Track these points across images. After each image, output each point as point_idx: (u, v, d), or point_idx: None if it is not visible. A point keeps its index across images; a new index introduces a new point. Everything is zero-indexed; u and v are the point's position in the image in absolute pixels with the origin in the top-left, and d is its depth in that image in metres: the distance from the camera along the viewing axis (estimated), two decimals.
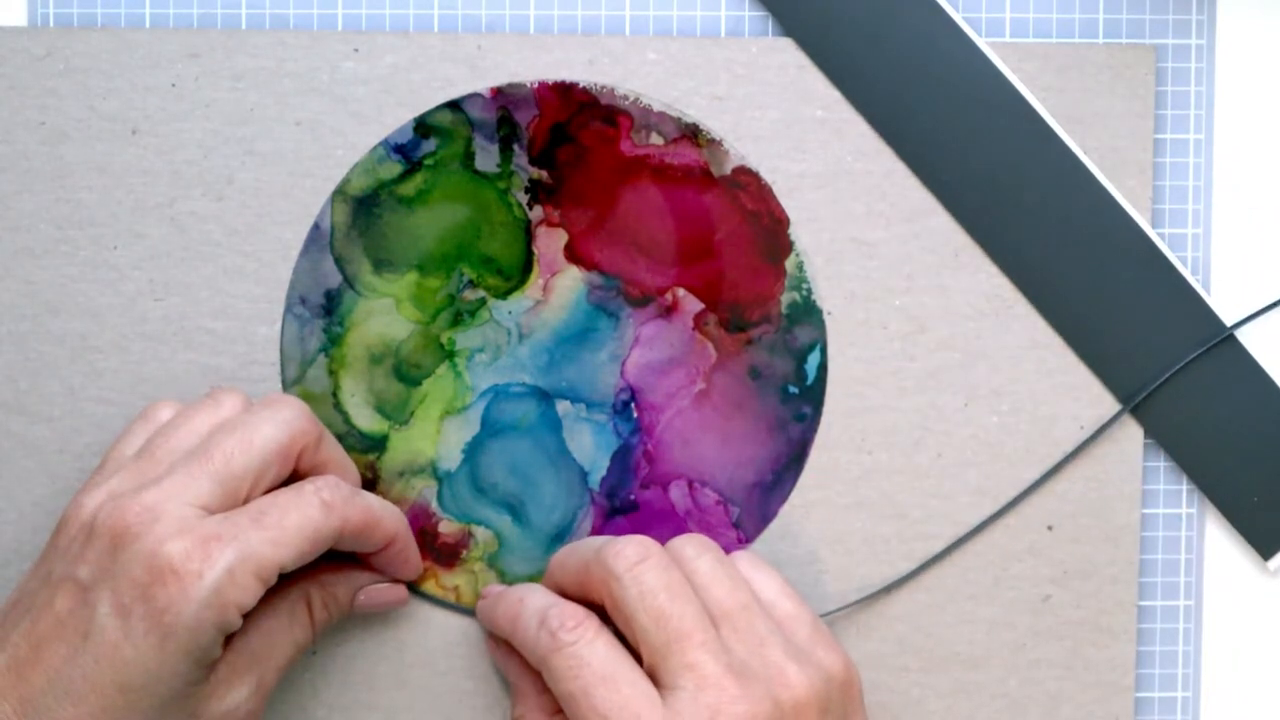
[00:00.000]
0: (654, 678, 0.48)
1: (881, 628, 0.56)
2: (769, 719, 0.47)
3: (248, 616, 0.50)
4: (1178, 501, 0.57)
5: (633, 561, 0.49)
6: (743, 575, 0.51)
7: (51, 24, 0.56)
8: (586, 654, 0.48)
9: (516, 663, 0.53)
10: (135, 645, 0.46)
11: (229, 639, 0.49)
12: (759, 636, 0.49)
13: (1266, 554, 0.57)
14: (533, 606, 0.50)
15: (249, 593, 0.47)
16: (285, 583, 0.52)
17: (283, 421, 0.50)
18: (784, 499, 0.56)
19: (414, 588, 0.56)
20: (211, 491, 0.48)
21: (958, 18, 0.56)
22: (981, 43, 0.56)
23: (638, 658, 0.49)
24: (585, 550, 0.51)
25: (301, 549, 0.48)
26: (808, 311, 0.56)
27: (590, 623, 0.49)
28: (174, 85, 0.55)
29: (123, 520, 0.47)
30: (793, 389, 0.56)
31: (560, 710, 0.52)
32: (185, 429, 0.51)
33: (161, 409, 0.53)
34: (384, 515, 0.52)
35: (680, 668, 0.47)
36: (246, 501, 0.49)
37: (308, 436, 0.51)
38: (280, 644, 0.51)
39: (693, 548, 0.50)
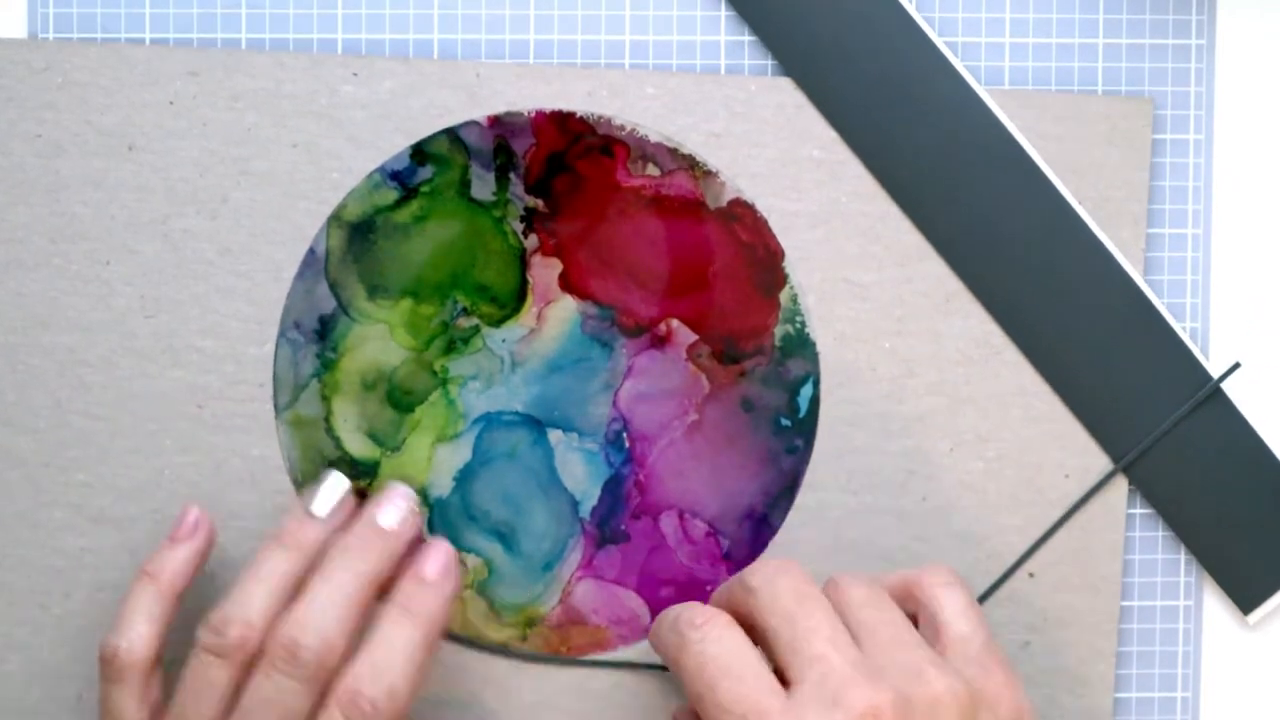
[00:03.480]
0: (784, 678, 0.47)
1: None
2: (893, 707, 0.46)
3: None
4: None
5: (770, 574, 0.49)
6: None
7: (51, 37, 0.56)
8: (712, 649, 0.47)
9: None
10: None
11: None
12: (901, 642, 0.48)
13: (1247, 609, 0.57)
14: (669, 615, 0.50)
15: None
16: None
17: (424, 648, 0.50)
18: (774, 532, 0.56)
19: None
20: None
21: (958, 64, 0.56)
22: (980, 90, 0.56)
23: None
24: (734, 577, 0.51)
25: None
26: (801, 344, 0.56)
27: (718, 619, 0.48)
28: (172, 103, 0.55)
29: None
30: (785, 421, 0.56)
31: None
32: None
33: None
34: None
35: (808, 660, 0.47)
36: None
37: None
38: None
39: (847, 579, 0.50)
